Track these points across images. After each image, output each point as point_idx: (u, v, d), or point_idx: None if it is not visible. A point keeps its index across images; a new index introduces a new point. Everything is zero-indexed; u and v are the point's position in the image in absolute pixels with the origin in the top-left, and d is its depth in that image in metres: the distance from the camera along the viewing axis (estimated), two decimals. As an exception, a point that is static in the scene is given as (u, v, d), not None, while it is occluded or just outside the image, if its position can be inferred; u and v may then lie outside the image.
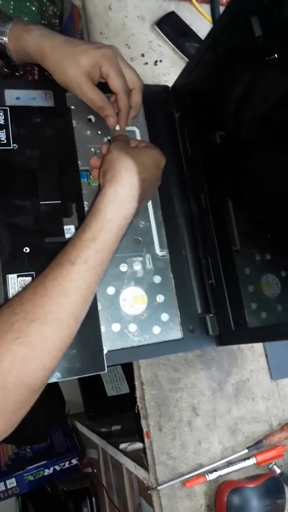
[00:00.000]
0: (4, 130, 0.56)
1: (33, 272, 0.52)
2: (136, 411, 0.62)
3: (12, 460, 1.12)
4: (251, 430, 0.65)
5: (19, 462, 1.11)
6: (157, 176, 0.55)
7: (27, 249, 0.52)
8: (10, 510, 1.20)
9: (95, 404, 1.20)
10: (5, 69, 0.85)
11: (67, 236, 0.54)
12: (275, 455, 0.64)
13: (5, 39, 0.55)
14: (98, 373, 0.52)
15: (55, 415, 1.12)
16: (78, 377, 0.51)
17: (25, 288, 0.45)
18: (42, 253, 0.52)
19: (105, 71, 0.53)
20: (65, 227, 0.54)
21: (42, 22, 0.83)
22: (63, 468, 1.13)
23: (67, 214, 0.55)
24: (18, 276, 0.51)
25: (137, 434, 0.83)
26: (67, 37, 0.54)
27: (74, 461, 1.13)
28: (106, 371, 0.52)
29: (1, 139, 0.55)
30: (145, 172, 0.50)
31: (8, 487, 1.09)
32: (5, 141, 0.55)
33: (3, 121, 0.56)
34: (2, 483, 1.08)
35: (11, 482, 1.09)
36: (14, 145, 0.55)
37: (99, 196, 0.48)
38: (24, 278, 0.51)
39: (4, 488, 1.08)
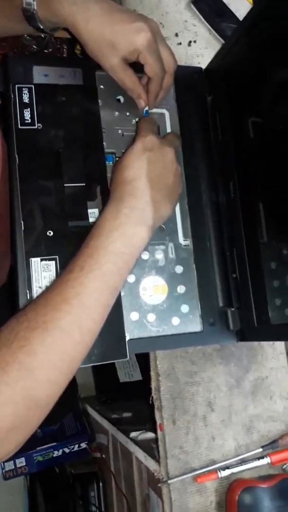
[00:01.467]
0: (29, 109, 0.54)
1: (56, 256, 0.50)
2: (150, 402, 0.61)
3: (22, 439, 1.13)
4: (266, 429, 0.64)
5: (29, 442, 1.09)
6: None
7: (50, 233, 0.51)
8: (18, 489, 1.22)
9: (106, 389, 1.19)
10: (34, 46, 0.83)
11: (91, 220, 0.53)
12: (290, 456, 0.62)
13: (33, 2, 0.50)
14: (120, 360, 0.51)
15: (67, 400, 1.12)
16: (99, 363, 0.50)
17: (29, 302, 0.45)
18: (65, 237, 0.51)
19: (143, 59, 0.50)
20: (89, 210, 0.53)
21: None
22: (72, 451, 1.13)
23: (92, 198, 0.53)
24: (41, 260, 0.50)
25: (149, 423, 0.82)
26: (102, 1, 0.49)
27: (83, 445, 1.14)
28: (128, 358, 0.51)
29: (25, 118, 0.53)
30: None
31: (18, 466, 1.10)
32: (30, 121, 0.53)
33: (28, 99, 0.54)
34: (12, 462, 1.10)
35: (21, 462, 1.10)
36: (39, 124, 0.54)
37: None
38: (47, 262, 0.50)
39: (13, 467, 1.10)
